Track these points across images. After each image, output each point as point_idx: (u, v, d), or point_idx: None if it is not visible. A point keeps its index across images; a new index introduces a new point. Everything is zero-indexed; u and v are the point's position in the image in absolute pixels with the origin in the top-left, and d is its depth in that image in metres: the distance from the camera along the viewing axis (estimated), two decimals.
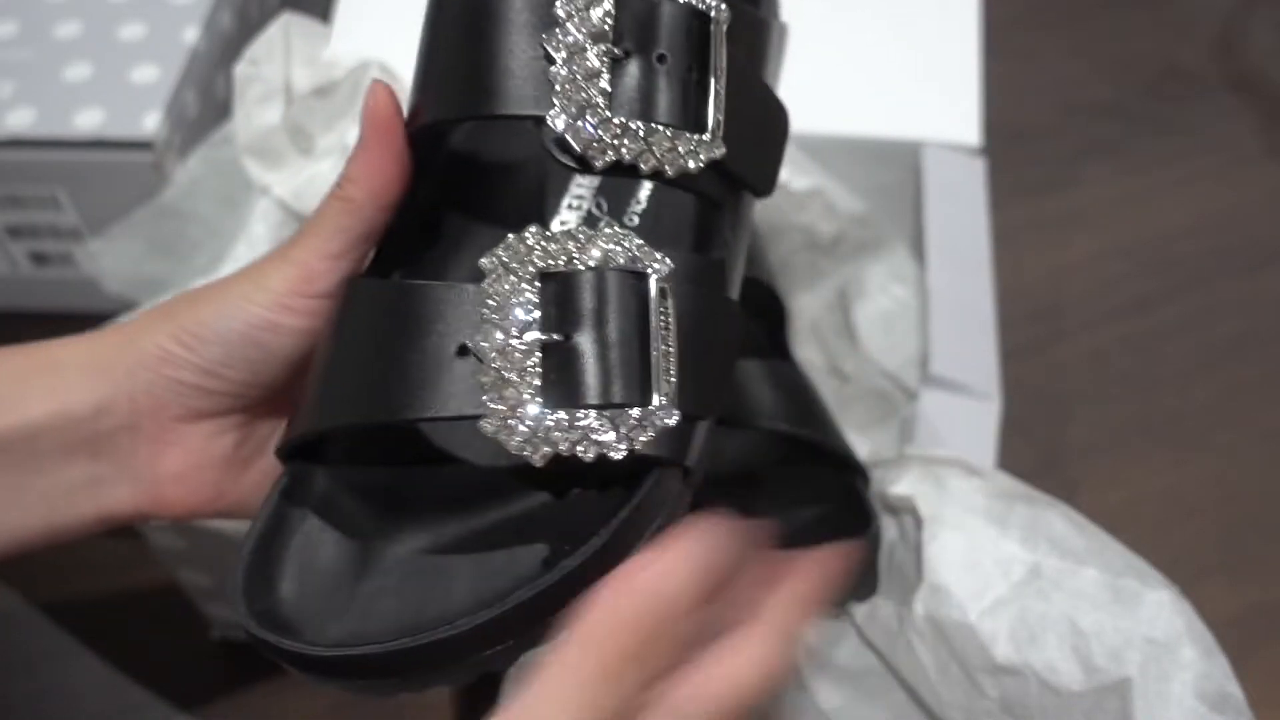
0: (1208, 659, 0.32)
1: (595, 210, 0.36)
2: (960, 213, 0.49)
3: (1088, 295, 0.62)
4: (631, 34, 0.29)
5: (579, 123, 0.28)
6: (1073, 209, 0.66)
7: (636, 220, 0.36)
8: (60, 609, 0.49)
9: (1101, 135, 0.69)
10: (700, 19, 0.30)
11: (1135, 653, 0.32)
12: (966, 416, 0.42)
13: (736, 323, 0.32)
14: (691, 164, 0.29)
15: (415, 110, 0.31)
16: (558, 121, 0.28)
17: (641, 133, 0.28)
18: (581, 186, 0.37)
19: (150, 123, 0.50)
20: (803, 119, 0.51)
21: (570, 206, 0.36)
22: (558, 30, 0.28)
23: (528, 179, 0.36)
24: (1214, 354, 0.59)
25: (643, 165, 0.29)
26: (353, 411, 0.28)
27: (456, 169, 0.35)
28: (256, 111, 0.45)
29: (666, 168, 0.29)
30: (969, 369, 0.43)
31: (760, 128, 0.33)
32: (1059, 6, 0.76)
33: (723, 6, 0.30)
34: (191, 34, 0.54)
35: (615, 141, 0.28)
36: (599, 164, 0.28)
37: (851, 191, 0.47)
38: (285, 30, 0.47)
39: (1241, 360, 0.59)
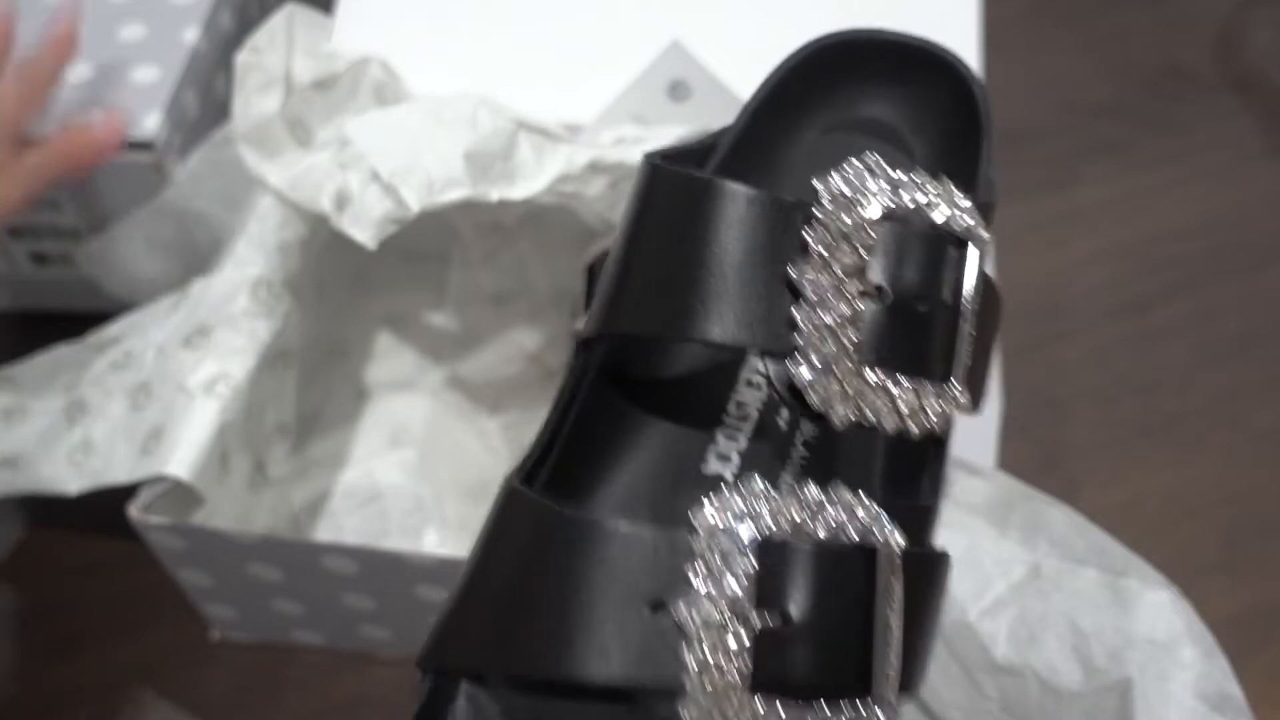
0: (1208, 659, 0.32)
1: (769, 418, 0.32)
2: None
3: (1088, 295, 0.62)
4: (888, 270, 0.26)
5: (827, 379, 0.25)
6: (1073, 209, 0.66)
7: (816, 431, 0.32)
8: (60, 609, 0.49)
9: (1101, 135, 0.69)
10: (955, 245, 0.27)
11: (1135, 653, 0.32)
12: (966, 416, 0.42)
13: (947, 581, 0.29)
14: (936, 423, 0.26)
15: (601, 313, 0.28)
16: (803, 371, 0.25)
17: (890, 388, 0.26)
18: (760, 374, 0.33)
19: (150, 123, 0.50)
20: None
21: (735, 417, 0.32)
22: (808, 265, 0.25)
23: (700, 380, 0.33)
24: (1214, 354, 0.59)
25: (886, 425, 0.26)
26: (529, 660, 0.25)
27: (625, 373, 0.32)
28: (256, 100, 0.45)
29: (911, 426, 0.26)
30: None
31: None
32: (1059, 6, 0.76)
33: (984, 234, 0.28)
34: (191, 34, 0.54)
35: (860, 401, 0.25)
36: (837, 421, 0.25)
37: None
38: (289, 20, 0.47)
39: (1241, 360, 0.59)
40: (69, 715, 0.46)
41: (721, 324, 0.26)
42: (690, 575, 0.24)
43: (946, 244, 0.27)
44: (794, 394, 0.26)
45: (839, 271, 0.25)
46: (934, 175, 0.28)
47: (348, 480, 0.50)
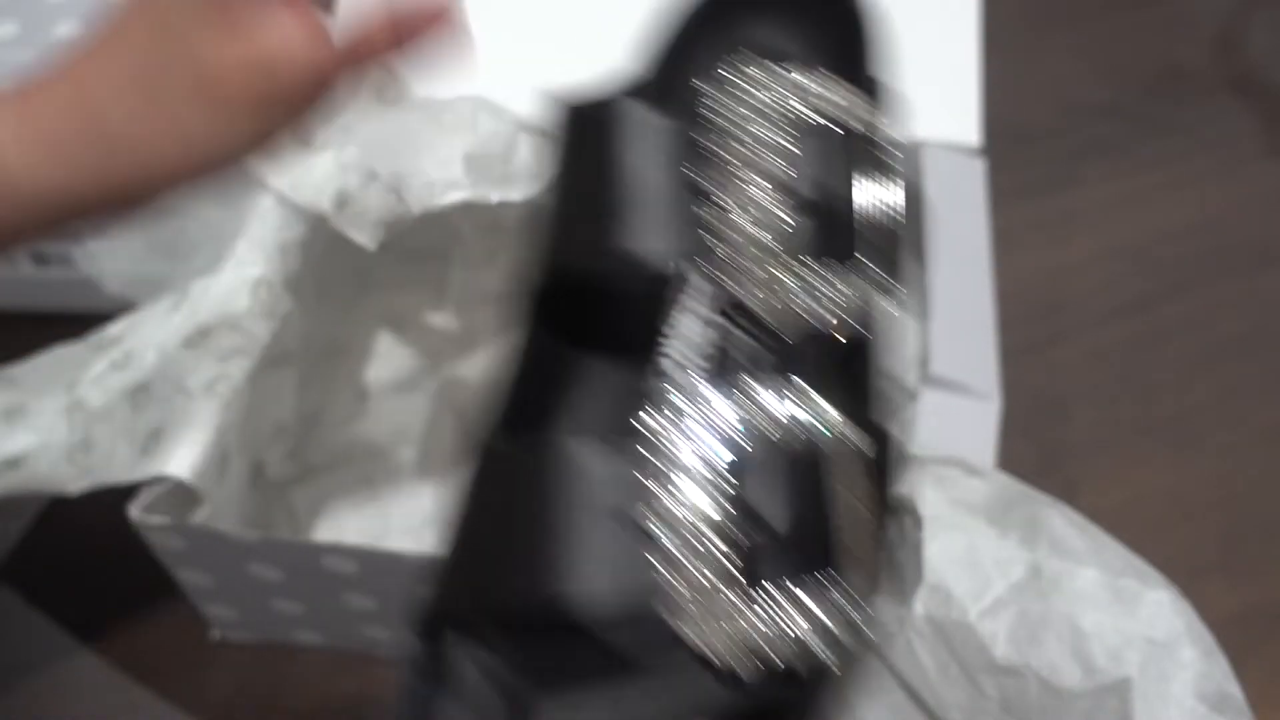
0: (1208, 659, 0.32)
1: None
2: (960, 213, 0.49)
3: (1088, 295, 0.62)
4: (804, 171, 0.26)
5: (737, 276, 0.25)
6: (1073, 209, 0.66)
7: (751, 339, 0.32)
8: (60, 609, 0.49)
9: (1101, 135, 0.69)
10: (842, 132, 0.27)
11: (1135, 653, 0.32)
12: (966, 416, 0.42)
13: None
14: (856, 318, 0.26)
15: (546, 249, 0.28)
16: (717, 262, 0.25)
17: (806, 286, 0.26)
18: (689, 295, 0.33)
19: None
20: None
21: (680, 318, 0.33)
22: (708, 166, 0.25)
23: (644, 305, 0.33)
24: (1214, 354, 0.59)
25: (815, 320, 0.26)
26: (508, 592, 0.26)
27: (571, 308, 0.32)
28: None
29: (834, 321, 0.26)
30: (969, 369, 0.43)
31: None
32: (1059, 6, 0.76)
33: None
34: None
35: (781, 291, 0.25)
36: (761, 311, 0.26)
37: None
38: None
39: (1241, 360, 0.59)
40: (69, 715, 0.46)
41: (642, 236, 0.26)
42: (652, 484, 0.24)
43: (853, 146, 0.27)
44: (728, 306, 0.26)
45: (742, 170, 0.26)
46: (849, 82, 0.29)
47: (348, 480, 0.50)
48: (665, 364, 0.30)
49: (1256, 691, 0.32)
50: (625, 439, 0.25)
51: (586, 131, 0.28)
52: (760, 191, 0.26)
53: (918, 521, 0.36)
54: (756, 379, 0.29)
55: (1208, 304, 0.61)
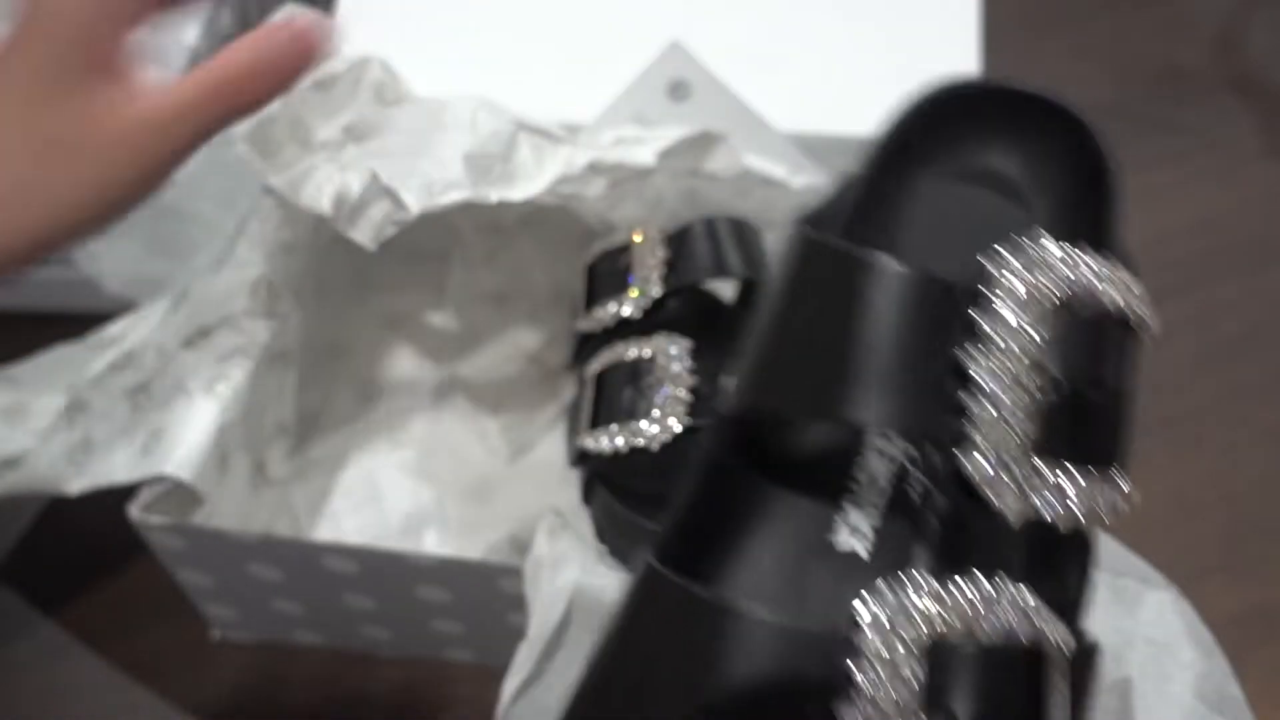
0: (1208, 659, 0.32)
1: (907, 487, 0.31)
2: None
3: None
4: (1060, 356, 0.25)
5: (1003, 472, 0.24)
6: None
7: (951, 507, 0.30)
8: (60, 609, 0.49)
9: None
10: (1119, 325, 0.26)
11: (1135, 653, 0.32)
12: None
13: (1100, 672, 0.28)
14: (1107, 519, 0.25)
15: (750, 388, 0.27)
16: (978, 463, 0.24)
17: (1064, 482, 0.24)
18: (890, 440, 0.31)
19: None
20: (803, 119, 0.51)
21: (864, 488, 0.31)
22: (982, 352, 0.24)
23: (826, 451, 0.31)
24: (1214, 354, 0.59)
25: (1061, 522, 0.25)
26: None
27: (753, 447, 0.31)
28: None
29: (1084, 521, 0.25)
30: None
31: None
32: (1059, 6, 0.76)
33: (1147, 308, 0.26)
34: (191, 34, 0.54)
35: (1034, 495, 0.24)
36: (1011, 517, 0.24)
37: None
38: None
39: (1241, 360, 0.59)
40: (69, 715, 0.46)
41: (881, 407, 0.25)
42: (857, 675, 0.23)
43: (1111, 324, 0.26)
44: (952, 483, 0.25)
45: (1018, 359, 0.24)
46: (1099, 251, 0.27)
47: (348, 480, 0.50)
48: (856, 519, 0.29)
49: (1256, 691, 0.32)
50: (806, 589, 0.25)
51: (836, 276, 0.26)
52: (1018, 379, 0.24)
53: None
54: (963, 553, 0.28)
55: (1208, 304, 0.61)
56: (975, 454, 0.24)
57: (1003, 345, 0.24)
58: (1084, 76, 0.72)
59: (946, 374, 0.24)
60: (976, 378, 0.24)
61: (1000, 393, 0.24)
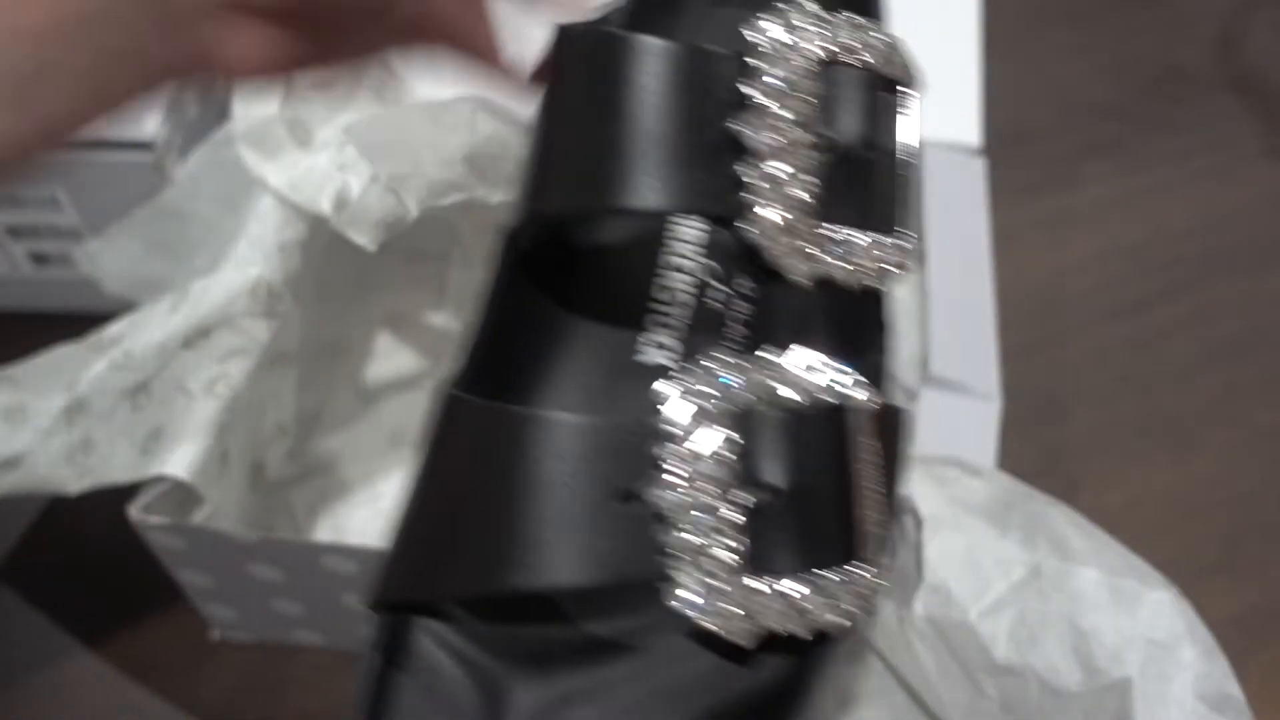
0: (1208, 659, 0.32)
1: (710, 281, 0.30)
2: (960, 213, 0.49)
3: (1088, 295, 0.62)
4: (832, 118, 0.24)
5: (786, 237, 0.23)
6: (1073, 209, 0.66)
7: (751, 298, 0.30)
8: (60, 609, 0.49)
9: (1101, 135, 0.69)
10: (885, 87, 0.25)
11: (1135, 653, 0.32)
12: (966, 416, 0.42)
13: (910, 433, 0.28)
14: (896, 274, 0.25)
15: (525, 197, 0.26)
16: (758, 229, 0.23)
17: (852, 240, 0.24)
18: (686, 257, 0.30)
19: (150, 123, 0.50)
20: None
21: (664, 303, 0.30)
22: (753, 118, 0.23)
23: (635, 263, 0.31)
24: (1214, 354, 0.59)
25: (850, 281, 0.24)
26: (480, 577, 0.23)
27: (560, 261, 0.30)
28: (256, 100, 0.45)
29: (874, 281, 0.25)
30: (969, 369, 0.43)
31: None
32: (1059, 6, 0.76)
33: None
34: None
35: (821, 257, 0.24)
36: (801, 279, 0.24)
37: None
38: None
39: (1241, 360, 0.59)
40: (69, 715, 0.46)
41: (661, 189, 0.24)
42: (664, 459, 0.23)
43: (878, 86, 0.26)
44: (740, 260, 0.24)
45: (788, 122, 0.23)
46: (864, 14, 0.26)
47: (348, 480, 0.50)
48: (661, 335, 0.28)
49: (1256, 691, 0.32)
50: (616, 407, 0.24)
51: (596, 62, 0.25)
52: (795, 143, 0.23)
53: (918, 521, 0.36)
54: (767, 338, 0.27)
55: (1208, 304, 0.61)
56: (760, 222, 0.23)
57: (773, 109, 0.23)
58: (1084, 76, 0.72)
59: (723, 147, 0.24)
60: (751, 146, 0.23)
61: (775, 158, 0.23)
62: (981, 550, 0.34)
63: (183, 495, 0.41)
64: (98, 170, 0.49)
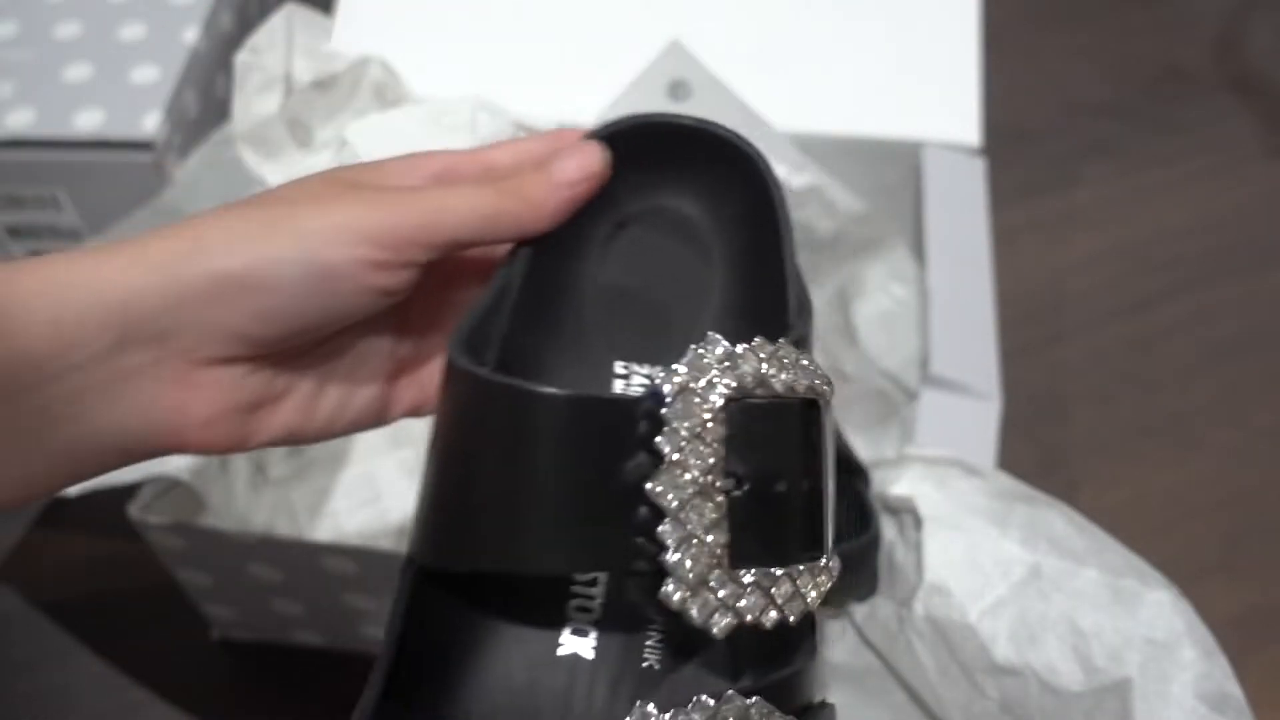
0: (1208, 659, 0.32)
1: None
2: (960, 213, 0.49)
3: (1088, 295, 0.62)
4: (746, 459, 0.24)
5: (702, 594, 0.23)
6: (1073, 209, 0.66)
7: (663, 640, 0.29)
8: (60, 609, 0.49)
9: (1101, 135, 0.69)
10: (811, 411, 0.25)
11: (1135, 653, 0.32)
12: (966, 416, 0.42)
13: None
14: (813, 597, 0.25)
15: (428, 544, 0.26)
16: (673, 592, 0.23)
17: (767, 587, 0.24)
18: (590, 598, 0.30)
19: (150, 123, 0.50)
20: (803, 119, 0.51)
21: (580, 614, 0.30)
22: (661, 473, 0.23)
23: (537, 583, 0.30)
24: (1214, 354, 0.59)
25: (765, 622, 0.24)
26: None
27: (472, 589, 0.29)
28: (256, 100, 0.45)
29: (790, 616, 0.24)
30: (969, 369, 0.43)
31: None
32: (1059, 6, 0.76)
33: (828, 383, 0.26)
34: (191, 34, 0.54)
35: (739, 608, 0.23)
36: (718, 633, 0.23)
37: (851, 191, 0.48)
38: (288, 20, 0.47)
39: (1241, 360, 0.59)
40: (70, 715, 0.46)
41: (567, 552, 0.23)
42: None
43: (789, 408, 0.25)
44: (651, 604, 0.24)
45: (696, 474, 0.23)
46: (770, 339, 0.26)
47: (348, 480, 0.50)
48: (576, 644, 0.28)
49: (1256, 691, 0.32)
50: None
51: (493, 413, 0.24)
52: (703, 490, 0.23)
53: (918, 521, 0.36)
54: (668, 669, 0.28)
55: (1208, 304, 0.61)
56: (669, 580, 0.23)
57: (678, 458, 0.23)
58: (1084, 76, 0.72)
59: (629, 497, 0.23)
60: (656, 499, 0.23)
61: (680, 509, 0.23)
62: (981, 550, 0.34)
63: (183, 495, 0.41)
64: (98, 170, 0.49)
